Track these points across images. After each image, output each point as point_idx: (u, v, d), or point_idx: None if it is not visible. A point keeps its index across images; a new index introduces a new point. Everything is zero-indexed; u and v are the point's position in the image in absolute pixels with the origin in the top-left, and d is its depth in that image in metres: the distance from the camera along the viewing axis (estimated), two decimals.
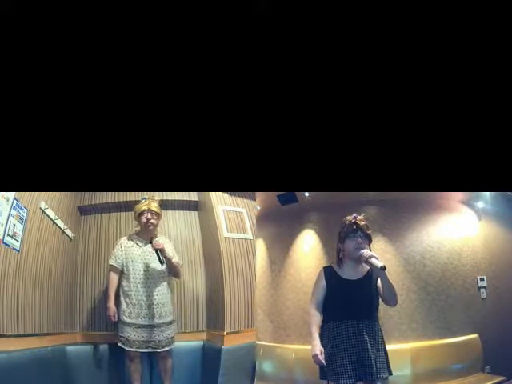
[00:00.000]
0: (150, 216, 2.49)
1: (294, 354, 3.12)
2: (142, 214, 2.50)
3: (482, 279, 3.09)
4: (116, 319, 2.41)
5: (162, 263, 2.41)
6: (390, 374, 1.74)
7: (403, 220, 3.22)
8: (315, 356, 1.69)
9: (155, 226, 2.54)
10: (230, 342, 2.45)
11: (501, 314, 2.97)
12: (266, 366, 3.15)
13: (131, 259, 2.50)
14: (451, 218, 3.26)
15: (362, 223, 1.81)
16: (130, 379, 2.48)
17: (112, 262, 2.51)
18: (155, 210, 2.52)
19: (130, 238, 2.59)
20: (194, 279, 2.93)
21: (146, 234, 2.54)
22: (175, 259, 2.53)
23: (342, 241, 1.83)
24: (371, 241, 1.83)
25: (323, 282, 1.83)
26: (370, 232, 1.82)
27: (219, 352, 2.40)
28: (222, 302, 2.57)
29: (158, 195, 2.71)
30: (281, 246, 3.63)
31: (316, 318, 1.80)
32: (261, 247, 3.61)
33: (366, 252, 1.74)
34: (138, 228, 2.59)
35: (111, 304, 2.41)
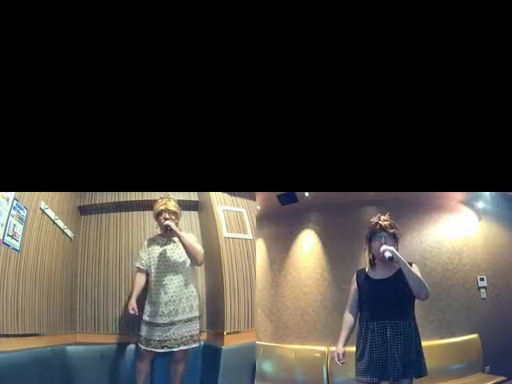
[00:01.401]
0: (167, 216, 2.48)
1: (293, 353, 3.12)
2: (159, 214, 2.50)
3: (481, 279, 3.09)
4: (135, 313, 2.40)
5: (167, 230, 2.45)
6: (422, 374, 1.71)
7: (403, 220, 3.22)
8: (334, 357, 1.82)
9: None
10: (229, 342, 2.44)
11: (501, 314, 2.97)
12: (266, 366, 3.14)
13: (153, 259, 2.52)
14: (451, 218, 3.26)
15: (386, 223, 1.81)
16: (135, 378, 2.46)
17: (137, 264, 2.54)
18: (173, 209, 2.51)
19: (152, 239, 2.60)
20: (194, 279, 2.93)
21: (166, 233, 2.54)
22: (192, 240, 2.49)
23: (369, 243, 1.84)
24: (397, 239, 1.82)
25: (354, 285, 1.88)
26: (394, 230, 1.80)
27: (219, 352, 2.39)
28: (221, 301, 2.56)
29: (158, 195, 2.71)
30: (281, 245, 3.62)
31: (345, 323, 1.86)
32: (261, 247, 3.60)
33: (383, 247, 1.75)
34: (158, 229, 2.59)
35: (132, 300, 2.42)
